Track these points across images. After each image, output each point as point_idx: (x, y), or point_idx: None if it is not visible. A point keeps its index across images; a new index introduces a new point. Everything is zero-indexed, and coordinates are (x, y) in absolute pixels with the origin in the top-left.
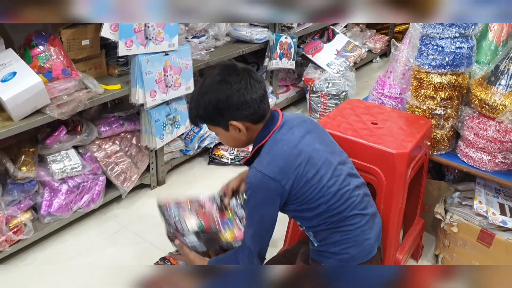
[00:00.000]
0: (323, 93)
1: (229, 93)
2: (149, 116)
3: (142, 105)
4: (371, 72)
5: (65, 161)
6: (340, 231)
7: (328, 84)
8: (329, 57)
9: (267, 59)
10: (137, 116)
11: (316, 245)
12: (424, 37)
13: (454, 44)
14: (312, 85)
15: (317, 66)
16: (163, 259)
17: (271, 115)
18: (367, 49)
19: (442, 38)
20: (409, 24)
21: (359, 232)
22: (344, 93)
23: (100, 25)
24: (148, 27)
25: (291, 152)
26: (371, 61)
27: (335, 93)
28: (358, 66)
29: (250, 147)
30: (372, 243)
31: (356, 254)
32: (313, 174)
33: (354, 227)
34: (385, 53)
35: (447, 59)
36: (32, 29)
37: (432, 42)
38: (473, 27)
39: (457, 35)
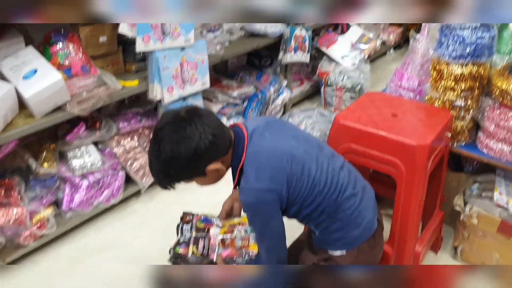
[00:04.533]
0: (338, 86)
1: (195, 144)
2: None
3: (159, 101)
4: (385, 64)
5: (85, 157)
6: (339, 219)
7: (343, 77)
8: (344, 49)
9: (281, 53)
10: (154, 112)
11: (317, 233)
12: (444, 28)
13: (475, 34)
14: (326, 78)
15: (332, 59)
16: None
17: (236, 133)
18: (381, 41)
19: (463, 29)
20: None
21: (357, 214)
22: (359, 86)
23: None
24: (165, 23)
25: (273, 158)
26: (385, 53)
27: (350, 86)
28: (372, 58)
29: None
30: (371, 219)
31: (359, 235)
32: (301, 171)
33: (351, 210)
34: (399, 45)
35: (468, 49)
36: (51, 27)
37: (453, 33)
38: None
39: (478, 25)
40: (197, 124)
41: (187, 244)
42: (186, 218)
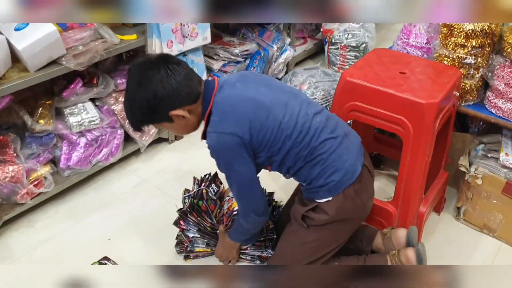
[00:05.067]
0: (343, 44)
1: (154, 87)
2: None
3: None
4: (390, 23)
5: (82, 114)
6: (316, 163)
7: (348, 35)
8: None
9: None
10: None
11: (304, 185)
12: None
13: None
14: (331, 36)
15: None
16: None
17: (206, 85)
18: None
19: None
20: None
21: (335, 157)
22: (364, 45)
23: None
24: None
25: (237, 104)
26: None
27: (354, 45)
28: None
29: None
30: (353, 162)
31: (341, 179)
32: (266, 116)
33: (328, 154)
34: None
35: None
36: None
37: None
38: None
39: None
40: (161, 70)
41: (215, 203)
42: (217, 180)
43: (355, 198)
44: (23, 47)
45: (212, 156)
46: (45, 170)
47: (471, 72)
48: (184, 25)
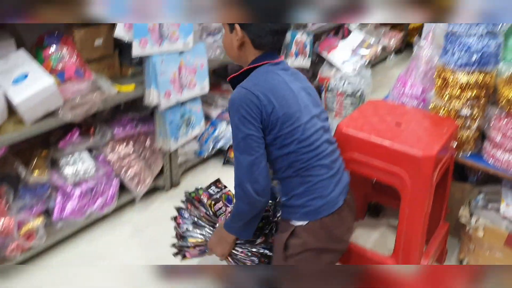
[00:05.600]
0: (339, 91)
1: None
2: (163, 117)
3: (156, 106)
4: (385, 70)
5: (78, 164)
6: (304, 182)
7: (344, 82)
8: (345, 55)
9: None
10: (151, 117)
11: (284, 200)
12: (449, 35)
13: (481, 42)
14: (327, 83)
15: (332, 65)
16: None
17: (272, 53)
18: (382, 46)
19: (469, 36)
20: None
21: (324, 184)
22: (360, 92)
23: (114, 24)
24: (163, 26)
25: (279, 83)
26: (385, 58)
27: (351, 92)
28: (373, 63)
29: None
30: (336, 196)
31: (321, 206)
32: (294, 111)
33: (318, 179)
34: (399, 50)
35: (474, 57)
36: (44, 29)
37: (458, 40)
38: (501, 24)
39: (484, 32)
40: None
41: (210, 196)
42: (218, 184)
43: (331, 229)
44: (19, 101)
45: (229, 111)
46: (37, 223)
47: (468, 123)
48: (182, 76)
